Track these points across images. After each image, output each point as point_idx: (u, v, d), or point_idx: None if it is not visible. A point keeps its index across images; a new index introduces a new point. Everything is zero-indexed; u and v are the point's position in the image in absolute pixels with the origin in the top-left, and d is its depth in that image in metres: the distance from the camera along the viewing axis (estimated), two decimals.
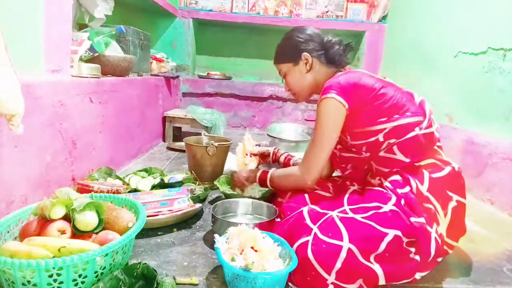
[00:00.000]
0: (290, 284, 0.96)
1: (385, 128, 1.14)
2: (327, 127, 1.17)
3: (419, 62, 2.72)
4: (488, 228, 1.53)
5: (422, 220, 1.01)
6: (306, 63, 1.30)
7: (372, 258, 0.95)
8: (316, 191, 1.30)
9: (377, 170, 1.20)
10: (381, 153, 1.17)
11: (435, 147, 1.19)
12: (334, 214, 1.05)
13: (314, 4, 3.68)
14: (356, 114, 1.16)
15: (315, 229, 1.00)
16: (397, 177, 1.14)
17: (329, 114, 1.16)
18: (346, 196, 1.20)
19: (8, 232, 0.94)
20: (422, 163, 1.14)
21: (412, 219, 1.01)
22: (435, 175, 1.11)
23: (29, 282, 0.77)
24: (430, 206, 1.07)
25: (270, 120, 3.49)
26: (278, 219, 1.21)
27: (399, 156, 1.14)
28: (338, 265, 0.93)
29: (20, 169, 1.12)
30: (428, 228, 1.01)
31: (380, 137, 1.15)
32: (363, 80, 1.16)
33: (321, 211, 1.09)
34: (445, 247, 1.08)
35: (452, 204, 1.10)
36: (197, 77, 3.51)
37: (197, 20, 3.57)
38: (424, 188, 1.09)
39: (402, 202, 1.05)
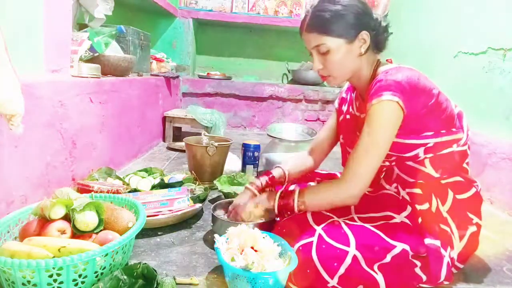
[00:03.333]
0: (290, 284, 0.96)
1: (427, 143, 1.02)
2: (386, 135, 0.98)
3: (419, 62, 2.71)
4: (488, 228, 1.52)
5: (437, 243, 0.97)
6: (362, 44, 1.03)
7: (376, 267, 0.94)
8: None
9: (398, 177, 1.09)
10: (409, 162, 1.06)
11: (464, 164, 1.11)
12: (341, 220, 1.02)
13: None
14: (405, 122, 0.99)
15: (319, 230, 0.99)
16: (417, 191, 1.05)
17: (390, 121, 0.97)
18: None
19: (8, 232, 0.94)
20: (449, 180, 1.06)
21: (427, 241, 0.97)
22: (459, 196, 1.05)
23: (29, 282, 0.77)
24: (447, 228, 1.02)
25: (270, 120, 3.49)
26: (278, 219, 1.21)
27: (429, 170, 1.04)
28: (342, 270, 0.92)
29: (20, 169, 1.12)
30: (443, 251, 0.97)
31: (420, 153, 1.03)
32: (422, 82, 0.99)
33: (325, 213, 1.07)
34: (452, 269, 1.03)
35: (472, 229, 1.05)
36: (197, 77, 3.51)
37: (197, 20, 3.57)
38: (444, 209, 1.03)
39: (420, 220, 1.01)
